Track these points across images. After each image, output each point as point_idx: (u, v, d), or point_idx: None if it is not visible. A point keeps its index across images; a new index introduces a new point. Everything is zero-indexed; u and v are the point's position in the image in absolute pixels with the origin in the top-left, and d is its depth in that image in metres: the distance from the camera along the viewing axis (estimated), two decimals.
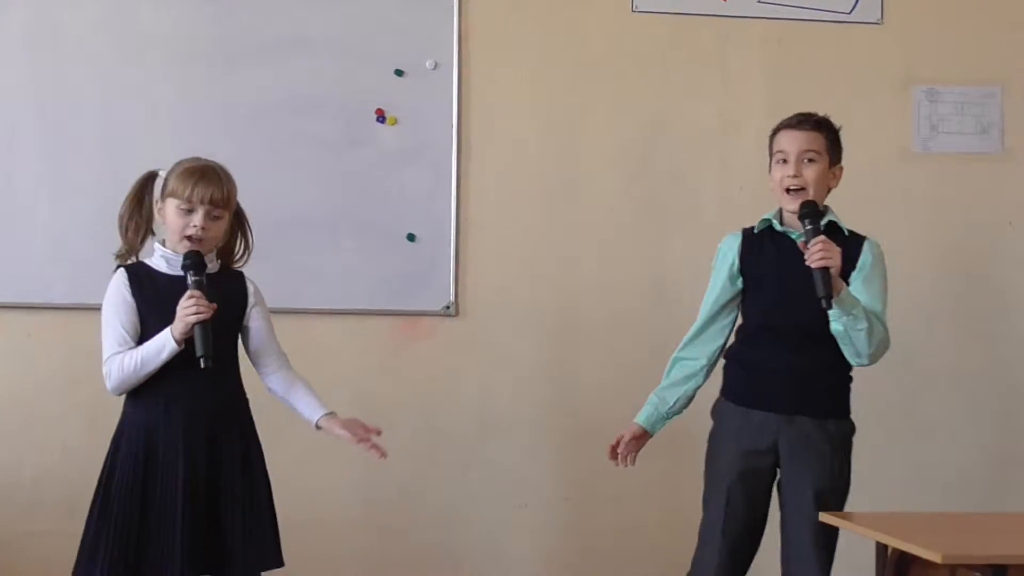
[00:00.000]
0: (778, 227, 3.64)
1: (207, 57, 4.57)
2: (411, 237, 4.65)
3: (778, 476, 3.63)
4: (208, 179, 3.38)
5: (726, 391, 3.72)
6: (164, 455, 3.32)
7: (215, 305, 3.26)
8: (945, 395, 4.87)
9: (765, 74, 4.85)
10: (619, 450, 3.72)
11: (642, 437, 3.75)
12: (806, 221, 3.47)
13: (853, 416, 4.81)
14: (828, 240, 3.41)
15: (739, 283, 3.70)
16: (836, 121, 4.90)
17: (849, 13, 4.88)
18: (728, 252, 3.70)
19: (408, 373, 4.64)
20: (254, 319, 3.52)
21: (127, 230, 3.49)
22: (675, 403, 3.75)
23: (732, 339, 3.76)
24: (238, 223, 3.56)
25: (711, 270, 3.77)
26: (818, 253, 3.38)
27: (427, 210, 4.67)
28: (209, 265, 3.40)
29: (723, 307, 3.72)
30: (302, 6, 4.62)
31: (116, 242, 4.43)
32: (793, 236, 3.60)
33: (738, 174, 4.73)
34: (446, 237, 4.67)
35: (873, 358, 3.57)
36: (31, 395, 4.48)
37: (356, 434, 3.51)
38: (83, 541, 3.38)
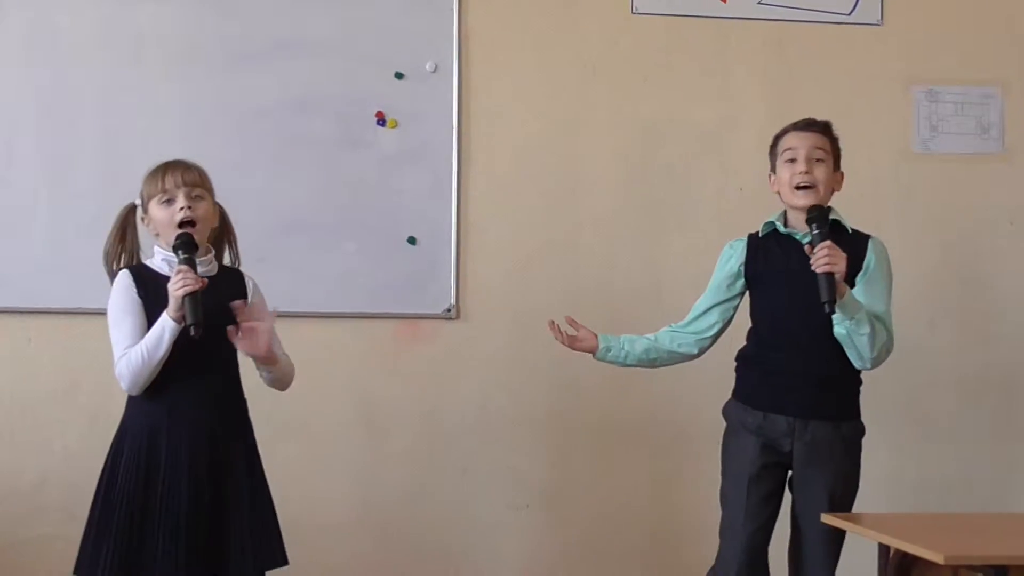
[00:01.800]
0: (783, 229, 3.66)
1: (207, 59, 4.57)
2: (412, 240, 4.64)
3: (790, 475, 3.66)
4: (174, 165, 3.44)
5: (740, 394, 3.73)
6: (167, 459, 3.32)
7: (205, 280, 3.28)
8: (946, 395, 4.87)
9: (765, 75, 4.85)
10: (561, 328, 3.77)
11: (588, 340, 3.77)
12: (813, 225, 3.50)
13: None
14: (834, 246, 3.43)
15: (739, 287, 3.74)
16: (837, 122, 4.93)
17: (849, 14, 4.88)
18: (731, 257, 3.74)
19: (409, 376, 4.64)
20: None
21: (111, 265, 3.51)
22: (633, 347, 3.77)
23: (745, 341, 3.79)
24: (224, 224, 3.59)
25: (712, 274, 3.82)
26: (824, 258, 3.41)
27: (428, 213, 4.66)
28: (208, 267, 3.43)
29: (713, 307, 3.76)
30: (302, 9, 4.62)
31: None
32: (797, 237, 3.62)
33: (738, 176, 4.74)
34: (447, 240, 4.66)
35: (876, 362, 3.60)
36: (31, 399, 4.48)
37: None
38: (83, 544, 3.38)
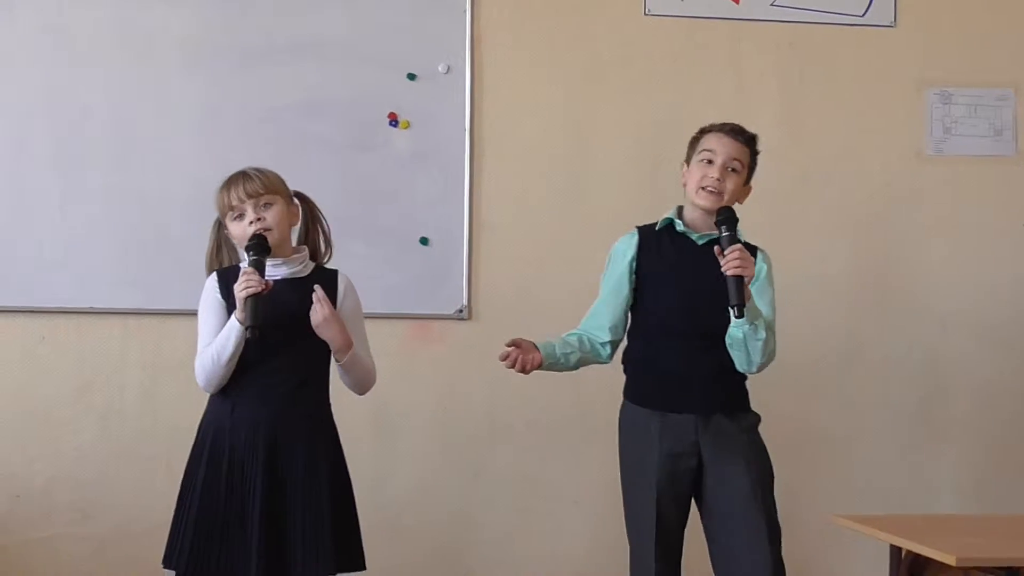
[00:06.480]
0: (680, 227, 3.60)
1: (219, 61, 4.58)
2: (424, 241, 4.65)
3: (703, 476, 3.55)
4: (235, 178, 3.43)
5: (635, 396, 3.62)
6: (231, 455, 3.34)
7: (270, 282, 3.28)
8: (958, 398, 4.86)
9: (778, 77, 4.84)
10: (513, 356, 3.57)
11: (535, 354, 3.58)
12: (723, 228, 3.46)
13: (867, 419, 4.82)
14: (744, 248, 3.41)
15: (632, 282, 3.63)
16: (849, 123, 4.90)
17: (862, 16, 4.88)
18: (626, 251, 3.62)
19: (421, 377, 4.65)
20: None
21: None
22: (570, 356, 3.62)
23: (628, 341, 3.69)
24: (310, 216, 3.59)
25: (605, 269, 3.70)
26: (735, 261, 3.37)
27: (440, 214, 4.67)
28: (296, 267, 3.45)
29: (619, 301, 3.63)
30: (314, 10, 4.63)
31: (127, 244, 4.51)
32: (693, 237, 3.58)
33: None
34: (459, 241, 4.67)
35: (761, 368, 3.54)
36: (44, 399, 4.49)
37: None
38: (170, 532, 3.39)
